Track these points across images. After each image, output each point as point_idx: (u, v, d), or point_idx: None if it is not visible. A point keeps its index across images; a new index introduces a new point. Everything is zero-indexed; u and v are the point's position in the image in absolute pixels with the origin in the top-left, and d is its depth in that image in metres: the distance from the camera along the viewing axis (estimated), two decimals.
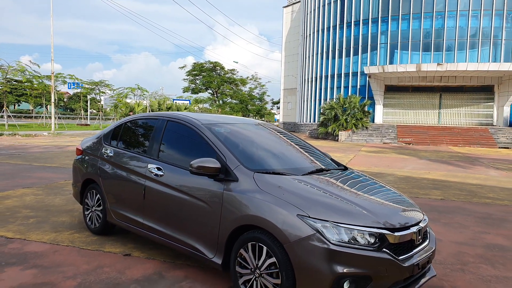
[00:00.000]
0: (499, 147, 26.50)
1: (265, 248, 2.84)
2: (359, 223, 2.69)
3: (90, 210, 4.74)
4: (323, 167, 3.81)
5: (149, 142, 4.10)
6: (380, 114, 35.93)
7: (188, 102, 41.46)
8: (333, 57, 39.08)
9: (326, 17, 39.98)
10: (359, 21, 36.81)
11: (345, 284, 2.59)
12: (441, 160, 16.43)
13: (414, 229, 2.90)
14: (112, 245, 4.34)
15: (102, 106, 52.75)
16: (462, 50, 32.88)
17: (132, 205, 4.05)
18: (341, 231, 2.64)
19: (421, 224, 3.03)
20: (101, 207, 4.56)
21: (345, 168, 3.99)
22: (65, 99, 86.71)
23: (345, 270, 2.56)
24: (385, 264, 2.63)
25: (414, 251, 2.89)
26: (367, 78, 34.52)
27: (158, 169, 3.78)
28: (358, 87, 36.81)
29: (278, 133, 4.41)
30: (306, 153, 4.13)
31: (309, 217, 2.69)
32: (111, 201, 4.36)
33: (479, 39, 32.73)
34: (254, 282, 2.93)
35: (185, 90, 55.64)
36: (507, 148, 26.38)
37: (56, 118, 35.38)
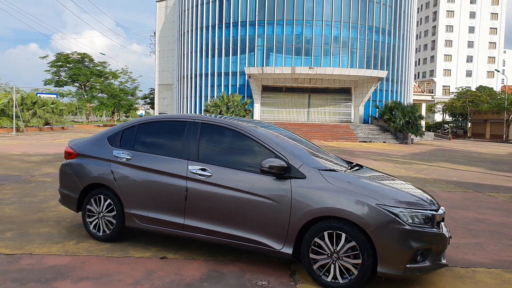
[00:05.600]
0: (359, 141, 31.15)
1: (343, 235, 3.35)
2: (419, 207, 3.43)
3: (95, 217, 4.45)
4: (350, 164, 4.44)
5: (183, 144, 4.12)
6: (258, 112, 38.31)
7: (55, 96, 37.24)
8: (213, 56, 39.97)
9: (204, 16, 40.54)
10: (238, 22, 38.45)
11: (418, 256, 3.30)
12: None
13: (443, 209, 3.78)
14: (134, 250, 4.23)
15: None
16: (327, 55, 37.36)
17: (169, 207, 4.04)
18: (409, 214, 3.33)
19: (442, 206, 3.93)
20: (113, 213, 4.35)
21: (360, 165, 4.63)
22: None
23: (418, 245, 3.27)
24: (438, 237, 3.43)
25: (442, 226, 3.76)
26: (246, 78, 36.41)
27: (203, 169, 3.90)
28: (238, 86, 38.49)
29: (293, 135, 4.81)
30: (329, 153, 4.69)
31: (385, 205, 3.32)
32: (133, 205, 4.22)
33: (340, 47, 37.66)
34: (332, 266, 3.41)
35: (48, 82, 49.28)
36: (365, 142, 31.20)
37: None
